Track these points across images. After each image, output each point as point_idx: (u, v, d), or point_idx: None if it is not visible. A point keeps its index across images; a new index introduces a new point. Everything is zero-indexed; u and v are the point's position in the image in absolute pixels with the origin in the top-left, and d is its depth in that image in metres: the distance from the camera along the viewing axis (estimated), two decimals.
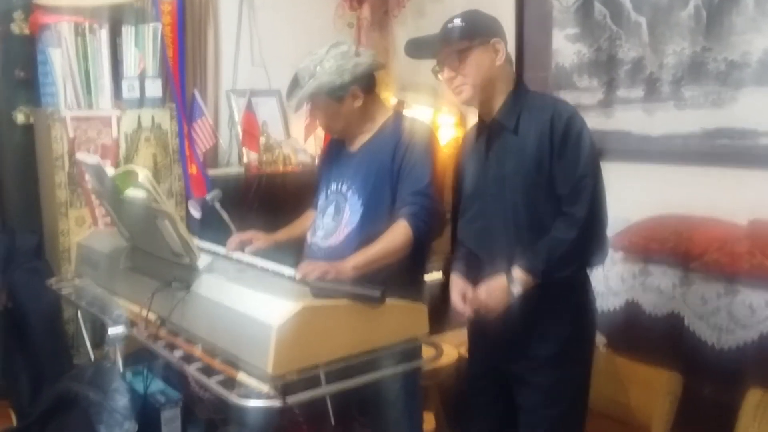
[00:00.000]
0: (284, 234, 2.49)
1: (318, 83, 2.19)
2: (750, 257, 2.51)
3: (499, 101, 2.14)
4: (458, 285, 2.22)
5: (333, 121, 2.31)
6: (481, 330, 2.25)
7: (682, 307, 2.74)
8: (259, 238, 2.38)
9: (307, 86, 2.21)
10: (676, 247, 2.74)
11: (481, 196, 2.18)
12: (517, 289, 2.03)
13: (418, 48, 2.20)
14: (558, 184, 2.04)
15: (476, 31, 2.10)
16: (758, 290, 2.53)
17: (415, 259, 2.21)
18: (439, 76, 2.17)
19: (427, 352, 1.95)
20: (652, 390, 2.73)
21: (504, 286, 2.03)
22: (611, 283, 2.98)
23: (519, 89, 2.17)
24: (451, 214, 2.36)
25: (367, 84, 2.27)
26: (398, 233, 2.12)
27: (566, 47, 3.38)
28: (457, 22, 2.11)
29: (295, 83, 2.29)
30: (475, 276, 2.20)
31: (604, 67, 3.22)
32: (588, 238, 2.04)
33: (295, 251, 2.41)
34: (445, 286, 2.35)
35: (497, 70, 2.12)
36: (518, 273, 2.03)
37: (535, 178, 2.05)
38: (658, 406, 2.72)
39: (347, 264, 2.00)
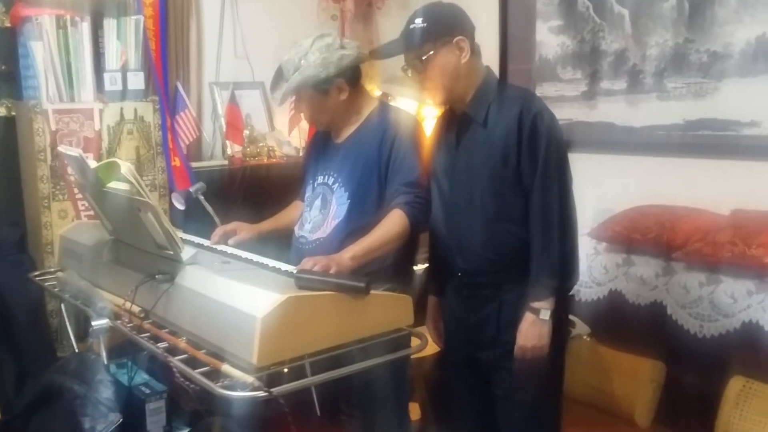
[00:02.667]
0: (269, 224, 2.48)
1: (303, 76, 2.18)
2: (732, 247, 2.53)
3: (469, 94, 2.15)
4: (432, 312, 2.39)
5: (318, 113, 2.30)
6: (453, 318, 2.28)
7: (665, 297, 2.76)
8: (243, 229, 2.37)
9: (292, 79, 2.20)
10: (659, 237, 2.76)
11: (450, 186, 2.20)
12: (545, 315, 2.06)
13: (385, 51, 2.23)
14: (525, 178, 2.07)
15: (438, 31, 2.08)
16: (740, 279, 2.55)
17: (404, 249, 2.21)
18: (407, 74, 2.18)
19: (412, 342, 1.96)
20: (635, 379, 2.75)
21: (532, 321, 2.07)
22: (594, 273, 3.00)
23: (488, 82, 2.17)
24: None
25: (353, 76, 2.27)
26: (395, 222, 2.12)
27: (550, 39, 3.39)
28: (418, 23, 2.09)
29: (279, 76, 2.28)
30: (450, 268, 2.23)
31: (588, 59, 3.23)
32: (566, 230, 2.08)
33: (281, 242, 2.41)
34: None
35: (464, 67, 2.12)
36: (537, 303, 2.06)
37: (502, 170, 2.08)
38: (641, 394, 2.74)
39: (345, 255, 1.99)
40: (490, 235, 2.12)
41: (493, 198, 2.11)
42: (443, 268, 2.28)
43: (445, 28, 2.10)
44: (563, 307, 2.18)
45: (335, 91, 2.23)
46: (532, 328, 2.07)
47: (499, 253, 2.13)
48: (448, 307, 2.32)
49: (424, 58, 2.08)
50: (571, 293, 2.24)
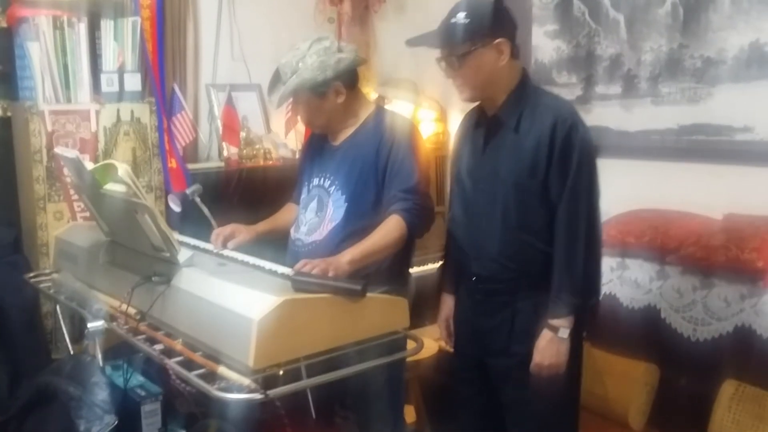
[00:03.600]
0: (265, 225, 2.47)
1: (300, 80, 2.19)
2: (725, 251, 2.55)
3: (502, 96, 2.09)
4: (444, 311, 2.34)
5: (315, 116, 2.31)
6: (465, 321, 2.26)
7: (659, 300, 2.77)
8: (241, 231, 2.36)
9: (289, 82, 2.20)
10: (653, 241, 2.77)
11: (473, 189, 2.16)
12: (564, 334, 2.02)
13: (421, 41, 2.14)
14: (552, 191, 2.02)
15: (479, 31, 2.00)
16: (733, 283, 2.56)
17: (401, 252, 2.22)
18: (440, 67, 2.11)
19: (408, 345, 1.96)
20: (629, 381, 2.76)
21: (550, 338, 2.03)
22: None
23: (524, 85, 2.11)
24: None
25: (350, 79, 2.27)
26: (393, 228, 2.12)
27: (545, 43, 3.40)
28: (461, 18, 2.00)
29: (276, 78, 2.29)
30: (464, 272, 2.21)
31: (583, 63, 3.25)
32: (592, 248, 2.03)
33: (277, 244, 2.42)
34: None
35: (500, 71, 2.05)
36: (556, 321, 2.02)
37: (529, 180, 2.03)
38: (634, 397, 2.75)
39: (343, 259, 1.99)
40: (508, 243, 2.07)
41: (516, 207, 2.05)
42: (458, 270, 2.26)
43: (488, 28, 2.01)
44: (580, 321, 2.12)
45: (332, 95, 2.24)
46: (550, 346, 2.03)
47: (517, 262, 2.09)
48: (461, 310, 2.29)
49: (460, 55, 2.02)
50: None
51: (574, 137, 1.99)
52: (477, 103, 2.22)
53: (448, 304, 2.35)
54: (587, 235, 2.02)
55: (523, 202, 2.05)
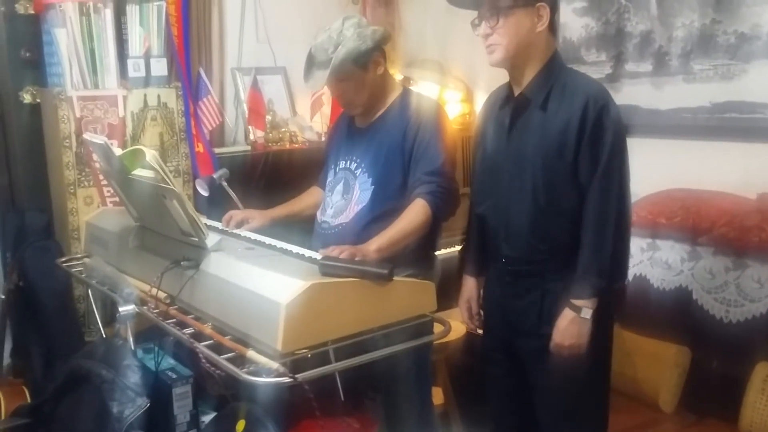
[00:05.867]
0: (282, 210, 2.47)
1: (346, 49, 2.16)
2: (759, 231, 2.51)
3: (531, 71, 2.05)
4: (466, 293, 2.31)
5: (358, 92, 2.26)
6: (494, 302, 2.25)
7: (690, 282, 2.74)
8: (254, 217, 2.36)
9: (336, 55, 2.16)
10: (684, 222, 2.74)
11: (499, 169, 2.13)
12: (587, 315, 1.99)
13: (460, 2, 2.10)
14: (582, 173, 1.99)
15: None
16: (767, 264, 2.53)
17: (427, 236, 2.21)
18: (475, 30, 2.06)
19: (435, 328, 1.96)
20: (660, 363, 2.74)
21: (572, 318, 2.00)
22: None
23: (555, 62, 2.07)
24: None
25: (384, 54, 2.26)
26: (418, 213, 2.11)
27: (574, 21, 3.34)
28: None
29: (311, 62, 2.25)
30: (493, 253, 2.20)
31: (613, 40, 3.20)
32: (621, 232, 2.01)
33: (304, 228, 2.42)
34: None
35: (535, 37, 2.01)
36: (579, 301, 2.00)
37: (557, 161, 2.00)
38: (665, 379, 2.73)
39: (370, 247, 1.99)
40: (538, 224, 2.05)
41: (545, 187, 2.02)
42: (487, 252, 2.23)
43: None
44: (609, 305, 2.08)
45: (373, 66, 2.23)
46: (571, 326, 2.00)
47: (547, 243, 2.06)
48: (489, 291, 2.27)
49: (500, 10, 1.97)
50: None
51: (606, 119, 1.96)
52: (503, 84, 2.19)
53: (469, 286, 2.33)
54: (617, 218, 1.99)
55: (552, 182, 2.02)
